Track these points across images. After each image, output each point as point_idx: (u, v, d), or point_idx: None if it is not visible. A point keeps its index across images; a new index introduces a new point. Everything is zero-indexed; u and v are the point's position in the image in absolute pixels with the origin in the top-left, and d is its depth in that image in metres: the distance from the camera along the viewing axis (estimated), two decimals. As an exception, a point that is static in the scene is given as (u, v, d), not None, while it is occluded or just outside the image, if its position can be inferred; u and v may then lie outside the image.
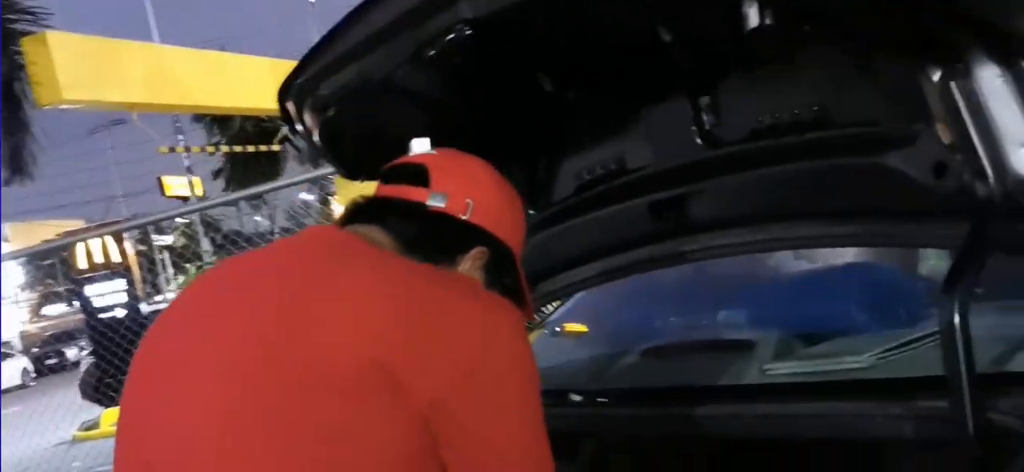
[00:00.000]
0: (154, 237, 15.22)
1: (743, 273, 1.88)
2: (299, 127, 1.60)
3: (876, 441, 1.22)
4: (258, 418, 1.11)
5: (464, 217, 1.35)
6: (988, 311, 1.38)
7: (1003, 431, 1.00)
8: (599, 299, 2.12)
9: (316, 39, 1.59)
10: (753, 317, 1.76)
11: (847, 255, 1.67)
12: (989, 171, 1.15)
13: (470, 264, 1.36)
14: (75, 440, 11.99)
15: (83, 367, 16.33)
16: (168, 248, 19.82)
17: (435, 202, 1.35)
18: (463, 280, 1.33)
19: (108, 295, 13.66)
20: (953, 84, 1.15)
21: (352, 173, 1.75)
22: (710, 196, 1.58)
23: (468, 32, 1.34)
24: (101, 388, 13.04)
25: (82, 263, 13.76)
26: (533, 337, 2.26)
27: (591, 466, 1.82)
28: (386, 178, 1.43)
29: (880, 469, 1.17)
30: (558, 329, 2.22)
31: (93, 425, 12.65)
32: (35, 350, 32.24)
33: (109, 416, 12.30)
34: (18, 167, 13.42)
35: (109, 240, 13.37)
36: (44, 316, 53.95)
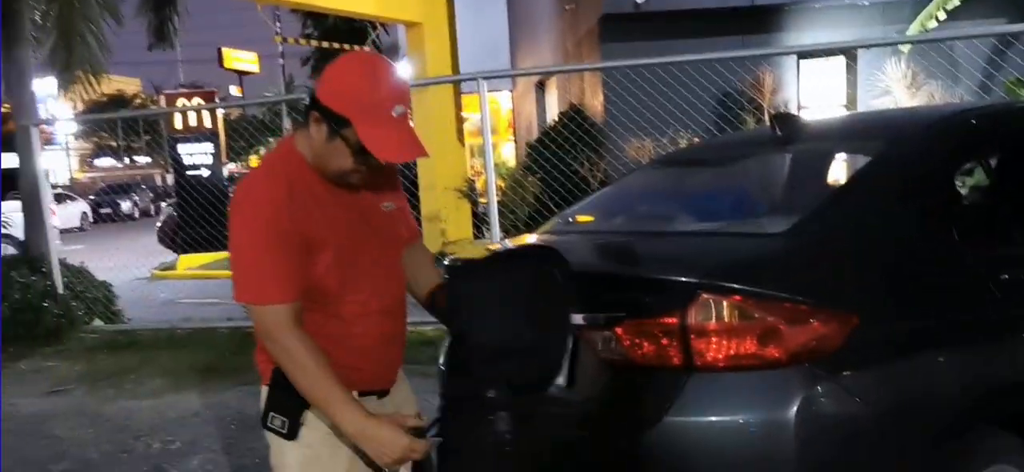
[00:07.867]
0: (219, 110, 15.36)
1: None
2: None
3: None
4: None
5: (313, 97, 1.87)
6: None
7: None
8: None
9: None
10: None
11: None
12: None
13: (313, 123, 1.86)
14: (153, 277, 12.96)
15: (163, 216, 17.21)
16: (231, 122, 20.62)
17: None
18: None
19: (197, 155, 14.49)
20: None
21: None
22: None
23: None
24: (178, 237, 13.99)
25: (178, 124, 14.58)
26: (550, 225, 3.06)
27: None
28: None
29: None
30: (571, 220, 3.10)
31: (170, 266, 13.72)
32: (92, 198, 32.40)
33: (185, 260, 13.53)
34: (163, 36, 15.08)
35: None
36: (94, 167, 55.28)
